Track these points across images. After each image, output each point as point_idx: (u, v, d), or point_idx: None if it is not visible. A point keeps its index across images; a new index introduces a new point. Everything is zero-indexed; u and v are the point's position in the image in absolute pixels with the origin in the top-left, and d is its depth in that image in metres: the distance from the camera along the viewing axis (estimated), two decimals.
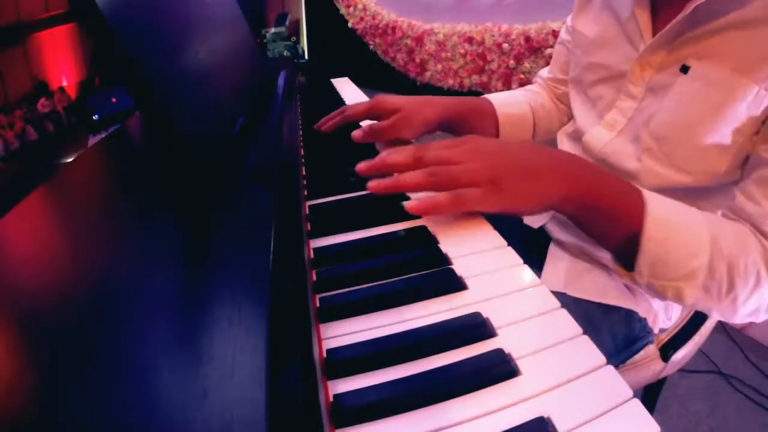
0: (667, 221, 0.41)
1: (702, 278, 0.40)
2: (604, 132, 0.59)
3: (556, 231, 0.65)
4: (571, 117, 0.76)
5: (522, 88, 0.82)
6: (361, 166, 0.45)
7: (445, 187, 0.40)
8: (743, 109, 0.45)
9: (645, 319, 0.59)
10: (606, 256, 0.59)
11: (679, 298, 0.42)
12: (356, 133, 0.59)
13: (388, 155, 0.44)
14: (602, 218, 0.42)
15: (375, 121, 0.63)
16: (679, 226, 0.41)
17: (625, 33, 0.56)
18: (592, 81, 0.62)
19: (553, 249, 0.65)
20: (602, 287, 0.58)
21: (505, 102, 0.74)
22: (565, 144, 0.70)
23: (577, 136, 0.65)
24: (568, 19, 0.71)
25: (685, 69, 0.49)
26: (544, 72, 0.81)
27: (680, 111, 0.50)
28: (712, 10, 0.46)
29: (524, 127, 0.75)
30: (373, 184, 0.42)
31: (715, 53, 0.47)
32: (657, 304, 0.60)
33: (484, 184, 0.39)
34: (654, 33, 0.53)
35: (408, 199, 0.46)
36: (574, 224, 0.45)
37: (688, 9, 0.47)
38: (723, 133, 0.47)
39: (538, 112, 0.76)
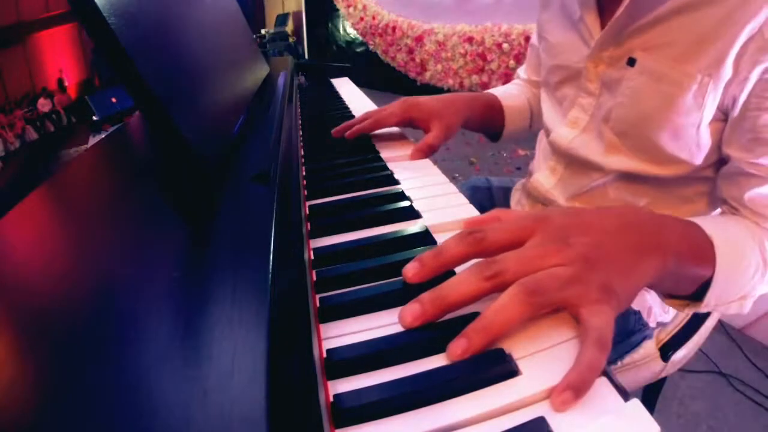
0: (731, 255, 0.39)
1: (759, 291, 0.43)
2: (568, 130, 0.61)
3: None
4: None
5: (511, 83, 0.85)
6: (413, 273, 0.31)
7: (547, 310, 0.29)
8: (690, 98, 0.46)
9: (639, 312, 0.59)
10: None
11: (741, 310, 0.43)
12: (416, 156, 0.57)
13: (446, 286, 0.29)
14: (682, 278, 0.38)
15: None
16: (741, 256, 0.41)
17: (579, 33, 0.57)
18: (555, 82, 0.64)
19: None
20: None
21: (507, 95, 0.77)
22: (540, 145, 0.72)
23: (546, 135, 0.67)
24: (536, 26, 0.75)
25: (632, 62, 0.50)
26: (521, 72, 0.83)
27: (632, 105, 0.51)
28: (652, 6, 0.47)
29: (524, 118, 0.78)
30: (455, 348, 0.27)
31: (658, 43, 0.48)
32: (651, 298, 0.60)
33: (598, 296, 0.28)
34: (601, 25, 0.54)
35: (408, 198, 0.46)
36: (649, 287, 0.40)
37: (626, 1, 0.48)
38: (675, 123, 0.47)
39: (533, 103, 0.79)
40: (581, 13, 0.55)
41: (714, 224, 0.40)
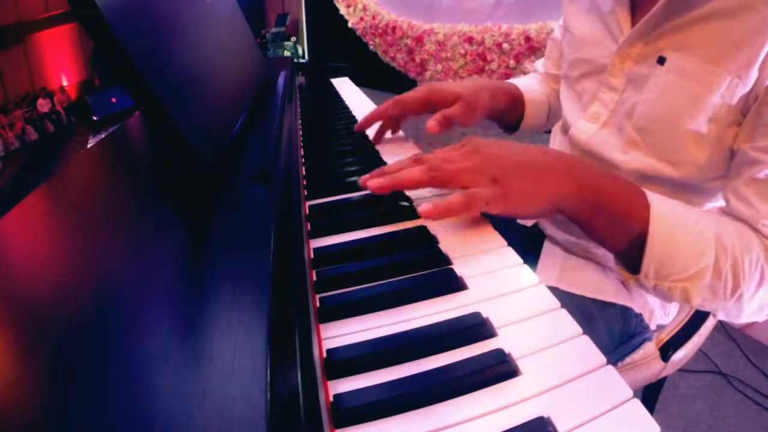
0: (672, 222, 0.40)
1: (708, 278, 0.40)
2: (588, 124, 0.60)
3: (549, 228, 0.66)
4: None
5: (529, 75, 0.84)
6: (365, 178, 0.44)
7: (445, 183, 0.40)
8: (717, 99, 0.46)
9: (641, 314, 0.59)
10: (600, 253, 0.59)
11: (686, 299, 0.42)
12: (432, 126, 0.58)
13: (388, 166, 0.44)
14: (606, 219, 0.42)
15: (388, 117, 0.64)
16: (685, 226, 0.41)
17: (607, 28, 0.57)
18: (577, 76, 0.63)
19: (547, 246, 0.65)
20: (597, 283, 0.58)
21: (529, 88, 0.76)
22: (558, 137, 0.71)
23: (565, 130, 0.66)
24: (561, 20, 0.73)
25: (661, 60, 0.50)
26: (539, 66, 0.83)
27: (659, 102, 0.51)
28: (685, 1, 0.47)
29: (542, 112, 0.77)
30: (373, 183, 0.42)
31: (689, 44, 0.48)
32: (653, 300, 0.60)
33: (487, 184, 0.39)
34: (633, 25, 0.54)
35: (408, 198, 0.47)
36: (577, 226, 0.44)
37: (662, 1, 0.48)
38: (700, 122, 0.47)
39: (552, 98, 0.78)
40: (613, 7, 0.55)
41: (667, 199, 0.42)
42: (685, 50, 0.48)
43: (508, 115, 0.75)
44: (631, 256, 0.42)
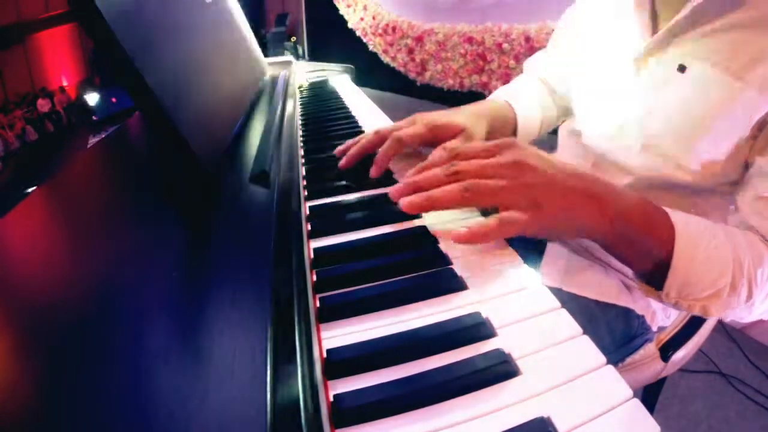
0: (695, 244, 0.40)
1: (725, 294, 0.41)
2: (603, 128, 0.60)
3: None
4: (565, 112, 0.77)
5: (525, 81, 0.80)
6: (397, 192, 0.40)
7: (482, 205, 0.39)
8: (738, 111, 0.45)
9: (643, 316, 0.59)
10: (603, 255, 0.59)
11: (705, 314, 0.43)
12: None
13: (421, 176, 0.40)
14: (633, 247, 0.41)
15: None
16: (707, 247, 0.41)
17: (626, 31, 0.57)
18: (593, 79, 0.62)
19: (550, 247, 0.65)
20: (600, 285, 0.58)
21: (523, 103, 0.72)
22: (564, 140, 0.71)
23: (577, 132, 0.66)
24: (568, 12, 0.72)
25: (682, 68, 0.50)
26: (538, 61, 0.80)
27: (677, 109, 0.50)
28: (709, 11, 0.46)
29: (534, 127, 0.75)
30: (406, 205, 0.38)
31: (711, 54, 0.47)
32: (655, 303, 0.60)
33: (527, 207, 0.36)
34: (653, 31, 0.53)
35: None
36: (601, 247, 0.43)
37: (686, 9, 0.47)
38: (718, 132, 0.47)
39: (546, 114, 0.76)
40: (633, 10, 0.55)
41: (688, 218, 0.42)
42: (707, 59, 0.47)
43: (500, 135, 0.72)
44: (653, 276, 0.42)
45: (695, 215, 0.43)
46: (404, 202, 0.38)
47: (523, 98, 0.74)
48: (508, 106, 0.72)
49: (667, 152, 0.52)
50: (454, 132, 0.56)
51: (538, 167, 0.37)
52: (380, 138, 0.51)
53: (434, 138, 0.54)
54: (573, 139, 0.68)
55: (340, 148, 0.55)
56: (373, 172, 0.50)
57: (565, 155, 0.70)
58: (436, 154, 0.42)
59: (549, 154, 0.39)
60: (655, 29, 0.53)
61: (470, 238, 0.36)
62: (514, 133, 0.72)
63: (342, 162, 0.52)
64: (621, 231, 0.39)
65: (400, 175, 0.53)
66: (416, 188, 0.39)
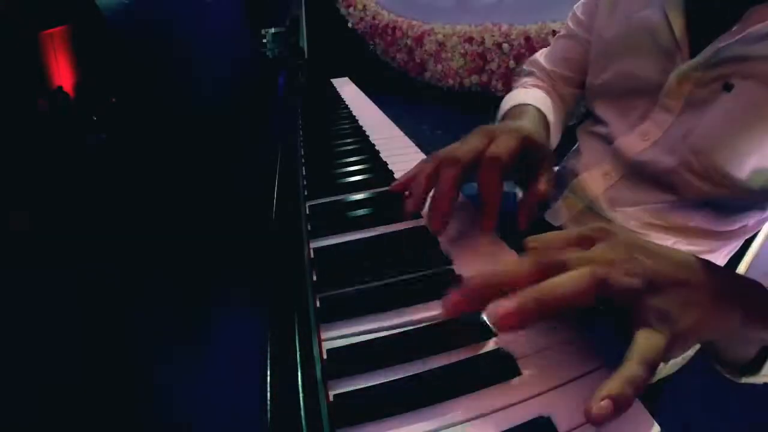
0: None
1: None
2: (637, 141, 0.57)
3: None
4: (569, 112, 0.73)
5: (531, 81, 0.75)
6: (492, 316, 0.26)
7: (613, 302, 0.27)
8: None
9: None
10: None
11: None
12: (526, 218, 0.41)
13: (503, 273, 0.28)
14: (745, 343, 0.35)
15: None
16: None
17: (657, 40, 0.53)
18: (623, 90, 0.59)
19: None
20: None
21: (550, 114, 0.66)
22: (586, 143, 0.67)
23: (605, 140, 0.63)
24: (576, 8, 0.68)
25: (728, 87, 0.48)
26: (541, 59, 0.74)
27: (723, 128, 0.49)
28: (764, 34, 0.45)
29: (558, 133, 0.71)
30: (500, 316, 0.25)
31: (760, 74, 0.46)
32: None
33: (657, 321, 0.26)
34: (689, 41, 0.51)
35: None
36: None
37: (741, 33, 0.45)
38: (764, 153, 0.46)
39: (558, 111, 0.71)
40: (666, 17, 0.52)
41: None
42: (755, 79, 0.46)
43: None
44: (745, 360, 0.36)
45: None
46: (501, 315, 0.25)
47: (547, 107, 0.66)
48: (540, 114, 0.63)
49: (707, 169, 0.50)
50: (544, 149, 0.43)
51: (652, 262, 0.27)
52: (444, 163, 0.40)
53: (524, 149, 0.41)
54: (599, 142, 0.64)
55: (396, 184, 0.45)
56: (399, 185, 0.43)
57: (590, 160, 0.64)
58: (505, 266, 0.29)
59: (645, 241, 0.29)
60: (691, 38, 0.51)
61: (616, 406, 0.23)
62: (547, 141, 0.64)
63: (409, 206, 0.41)
64: (743, 333, 0.30)
65: (394, 167, 0.53)
66: (502, 286, 0.27)
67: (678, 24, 0.51)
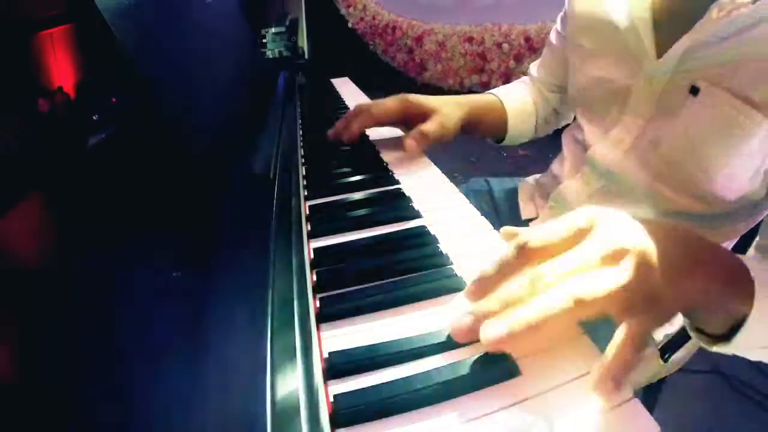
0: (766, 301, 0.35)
1: None
2: (610, 149, 0.57)
3: None
4: (557, 110, 0.76)
5: (518, 81, 0.80)
6: (460, 329, 0.28)
7: (591, 317, 0.27)
8: (754, 143, 0.43)
9: None
10: None
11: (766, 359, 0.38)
12: (411, 145, 0.56)
13: (486, 302, 0.28)
14: (720, 311, 0.35)
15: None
16: None
17: (627, 44, 0.53)
18: (596, 95, 0.59)
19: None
20: None
21: (511, 96, 0.73)
22: (569, 146, 0.68)
23: (583, 146, 0.63)
24: (558, 22, 0.71)
25: (695, 90, 0.46)
26: (533, 70, 0.78)
27: (690, 136, 0.48)
28: (726, 34, 0.44)
29: (530, 121, 0.75)
30: (486, 340, 0.26)
31: (726, 79, 0.44)
32: None
33: (646, 310, 0.27)
34: (657, 44, 0.50)
35: None
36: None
37: (702, 32, 0.44)
38: (733, 163, 0.45)
39: (540, 105, 0.75)
40: (632, 23, 0.51)
41: (756, 266, 0.34)
42: (721, 84, 0.44)
43: (489, 128, 0.73)
44: (720, 330, 0.37)
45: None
46: (485, 339, 0.26)
47: (514, 93, 0.74)
48: (497, 100, 0.72)
49: (681, 182, 0.49)
50: (425, 111, 0.58)
51: (640, 250, 0.28)
52: (358, 112, 0.59)
53: (404, 114, 0.58)
54: (579, 149, 0.65)
55: (330, 131, 0.61)
56: (339, 136, 0.59)
57: (572, 167, 0.66)
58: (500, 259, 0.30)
59: (633, 218, 0.31)
60: (659, 42, 0.50)
61: (609, 391, 0.25)
62: (504, 126, 0.72)
63: (330, 132, 0.60)
64: (717, 299, 0.33)
65: (394, 167, 0.55)
66: (490, 313, 0.27)
67: (643, 26, 0.50)
